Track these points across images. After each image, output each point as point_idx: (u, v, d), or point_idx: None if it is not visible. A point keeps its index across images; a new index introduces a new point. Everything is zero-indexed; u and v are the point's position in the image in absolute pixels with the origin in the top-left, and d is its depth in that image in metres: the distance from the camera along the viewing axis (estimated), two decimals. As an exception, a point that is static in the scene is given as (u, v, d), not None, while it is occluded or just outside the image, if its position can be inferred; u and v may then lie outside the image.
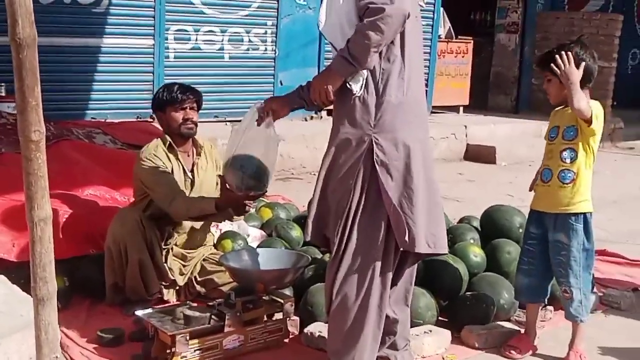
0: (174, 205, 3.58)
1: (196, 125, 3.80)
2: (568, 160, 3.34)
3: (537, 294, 3.49)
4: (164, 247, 3.77)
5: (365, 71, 2.77)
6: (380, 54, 2.76)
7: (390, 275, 2.83)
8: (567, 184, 3.33)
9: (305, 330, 3.40)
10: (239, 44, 8.43)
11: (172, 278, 3.78)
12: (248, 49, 8.51)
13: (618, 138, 11.11)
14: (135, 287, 3.63)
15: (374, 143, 2.77)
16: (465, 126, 9.45)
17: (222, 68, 8.32)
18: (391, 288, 2.89)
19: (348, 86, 2.79)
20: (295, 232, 4.39)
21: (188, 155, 3.85)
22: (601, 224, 6.06)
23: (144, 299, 3.64)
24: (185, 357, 3.04)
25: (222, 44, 8.28)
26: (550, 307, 3.90)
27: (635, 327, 3.86)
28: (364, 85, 2.80)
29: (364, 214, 2.78)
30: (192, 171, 3.82)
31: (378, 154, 2.76)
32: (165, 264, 3.74)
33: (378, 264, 2.77)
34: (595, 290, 4.19)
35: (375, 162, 2.75)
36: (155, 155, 3.71)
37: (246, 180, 3.17)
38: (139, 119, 7.51)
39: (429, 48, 10.06)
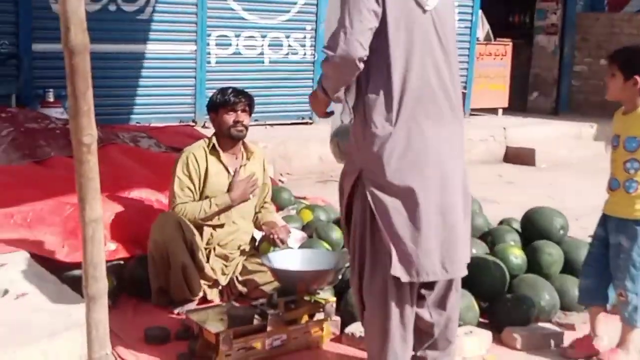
0: (181, 207, 3.75)
1: (246, 128, 3.91)
2: (632, 171, 3.29)
3: (595, 296, 3.47)
4: (205, 247, 3.86)
5: (343, 97, 2.74)
6: (360, 82, 2.69)
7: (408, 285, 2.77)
8: (632, 193, 3.29)
9: (346, 330, 3.44)
10: (279, 48, 8.53)
11: (215, 278, 3.86)
12: (287, 54, 8.61)
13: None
14: (179, 290, 3.71)
15: (364, 180, 2.71)
16: (504, 128, 9.40)
17: (262, 72, 8.43)
18: (428, 291, 2.91)
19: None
20: (336, 234, 4.43)
21: (236, 158, 3.95)
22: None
23: (189, 299, 3.73)
24: (230, 355, 3.11)
25: (262, 48, 8.39)
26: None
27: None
28: (350, 112, 2.77)
29: (373, 238, 2.75)
30: (238, 172, 3.91)
31: (368, 198, 2.69)
32: (207, 264, 3.82)
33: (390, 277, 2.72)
34: None
35: (369, 203, 2.70)
36: (193, 155, 3.83)
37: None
38: (181, 123, 7.65)
39: (467, 50, 10.05)
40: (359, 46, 2.57)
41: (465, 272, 2.89)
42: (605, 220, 3.44)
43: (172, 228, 3.67)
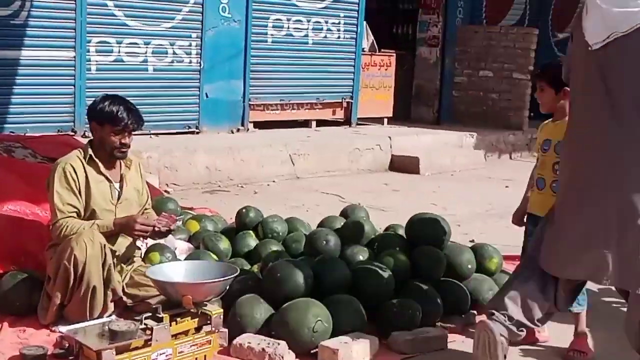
0: (63, 222, 3.55)
1: (129, 148, 3.73)
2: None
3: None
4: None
5: None
6: None
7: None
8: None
9: (234, 341, 3.39)
10: (163, 56, 8.36)
11: (120, 295, 3.70)
12: (172, 62, 8.45)
13: (535, 148, 11.48)
14: (78, 311, 3.51)
15: None
16: (390, 137, 9.62)
17: (146, 80, 8.24)
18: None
19: None
20: (223, 244, 4.37)
21: (114, 167, 3.79)
22: (520, 230, 6.27)
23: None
24: (112, 372, 2.98)
25: (145, 56, 8.20)
26: (474, 312, 4.01)
27: (553, 326, 4.00)
28: None
29: None
30: (120, 182, 3.77)
31: None
32: (116, 280, 3.66)
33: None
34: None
35: None
36: (70, 166, 3.62)
37: None
38: (60, 132, 7.34)
39: (353, 61, 10.23)
40: None
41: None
42: (534, 220, 3.65)
43: (98, 248, 3.48)
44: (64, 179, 3.60)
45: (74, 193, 3.61)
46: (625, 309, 3.30)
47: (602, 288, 3.98)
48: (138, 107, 3.77)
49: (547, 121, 3.77)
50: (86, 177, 3.66)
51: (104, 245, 3.53)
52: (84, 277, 3.48)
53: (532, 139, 11.50)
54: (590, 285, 3.54)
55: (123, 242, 3.78)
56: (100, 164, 3.71)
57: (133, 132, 3.71)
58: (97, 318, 3.50)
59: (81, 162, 3.67)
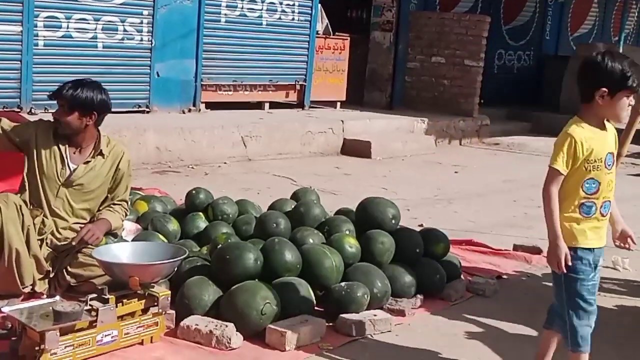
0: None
1: (63, 123, 3.75)
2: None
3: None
4: (38, 237, 3.66)
5: None
6: None
7: None
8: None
9: (182, 323, 3.37)
10: (113, 33, 8.19)
11: (48, 269, 3.68)
12: (123, 39, 8.29)
13: (484, 134, 11.68)
14: (8, 278, 3.48)
15: None
16: (342, 121, 9.64)
17: (95, 57, 8.07)
18: None
19: None
20: (172, 226, 4.33)
21: (82, 151, 3.84)
22: (468, 215, 6.39)
23: (14, 294, 3.50)
24: (56, 353, 2.94)
25: (95, 32, 8.02)
26: (421, 296, 4.07)
27: (499, 311, 4.08)
28: None
29: None
30: (78, 165, 3.81)
31: None
32: (41, 253, 3.64)
33: None
34: (462, 277, 4.42)
35: None
36: (45, 122, 3.87)
37: None
38: (5, 109, 7.14)
39: (307, 43, 10.19)
40: None
41: None
42: (585, 252, 3.00)
43: (13, 210, 3.48)
44: (31, 123, 3.91)
45: (25, 128, 3.84)
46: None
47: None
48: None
49: (585, 125, 3.00)
50: (46, 140, 3.77)
51: (20, 206, 3.54)
52: (4, 241, 3.47)
53: (482, 126, 11.68)
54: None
55: (61, 222, 3.80)
56: (63, 141, 3.80)
57: (65, 109, 3.74)
58: (34, 294, 3.52)
59: (51, 130, 3.81)
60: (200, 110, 9.12)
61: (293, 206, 4.61)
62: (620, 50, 10.56)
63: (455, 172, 8.67)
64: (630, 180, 8.66)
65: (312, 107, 10.50)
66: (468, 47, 11.57)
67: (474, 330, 3.78)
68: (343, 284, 3.81)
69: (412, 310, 3.94)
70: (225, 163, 8.04)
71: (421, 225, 5.38)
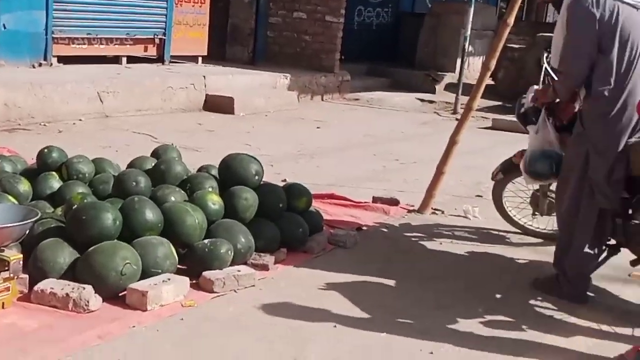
0: None
1: None
2: None
3: None
4: None
5: None
6: None
7: None
8: None
9: (35, 287, 3.23)
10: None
11: None
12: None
13: (345, 90, 11.87)
14: None
15: None
16: (204, 76, 9.46)
17: None
18: None
19: None
20: (23, 186, 4.11)
21: None
22: (330, 170, 6.51)
23: None
24: None
25: None
26: (284, 250, 4.12)
27: (359, 262, 4.22)
28: None
29: None
30: None
31: None
32: None
33: None
34: (324, 230, 4.51)
35: None
36: None
37: None
38: None
39: (165, -5, 9.87)
40: None
41: None
42: None
43: None
44: None
45: None
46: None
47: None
48: None
49: None
50: None
51: None
52: None
53: (343, 81, 11.85)
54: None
55: None
56: None
57: None
58: None
59: None
60: (52, 64, 8.64)
61: (153, 164, 4.50)
62: (472, 8, 10.99)
63: (318, 128, 8.78)
64: (480, 133, 9.14)
65: (173, 62, 10.23)
66: (329, 3, 11.65)
67: (334, 281, 3.89)
68: (206, 241, 3.79)
69: (276, 265, 3.99)
70: (80, 120, 7.70)
71: (284, 181, 5.43)
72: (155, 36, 9.91)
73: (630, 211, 3.83)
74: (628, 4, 3.60)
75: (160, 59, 10.08)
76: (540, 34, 11.38)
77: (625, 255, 3.94)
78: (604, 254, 3.97)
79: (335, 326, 3.34)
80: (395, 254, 4.44)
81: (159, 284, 3.35)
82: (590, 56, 3.62)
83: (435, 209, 5.38)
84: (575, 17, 3.65)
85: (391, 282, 3.95)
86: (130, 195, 3.86)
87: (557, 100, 4.10)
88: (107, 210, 3.58)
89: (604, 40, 3.59)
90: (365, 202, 5.38)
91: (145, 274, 3.43)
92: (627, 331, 3.56)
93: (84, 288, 3.21)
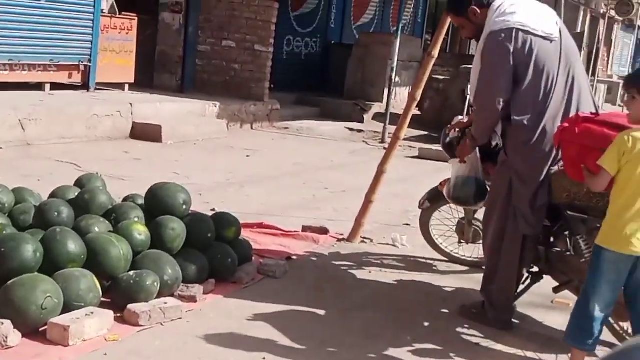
0: None
1: None
2: None
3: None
4: None
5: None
6: None
7: None
8: None
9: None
10: None
11: None
12: None
13: (275, 118, 11.89)
14: None
15: None
16: (131, 104, 9.31)
17: None
18: None
19: None
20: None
21: None
22: (259, 199, 6.48)
23: None
24: None
25: None
26: (213, 280, 4.06)
27: (288, 291, 4.19)
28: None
29: None
30: None
31: None
32: None
33: None
34: (253, 260, 4.48)
35: None
36: None
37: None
38: None
39: (92, 22, 9.70)
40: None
41: None
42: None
43: None
44: None
45: None
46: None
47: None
48: None
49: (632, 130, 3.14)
50: None
51: None
52: None
53: (273, 110, 11.88)
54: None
55: None
56: None
57: None
58: None
59: None
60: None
61: (77, 193, 4.38)
62: (398, 40, 11.22)
63: (247, 156, 8.74)
64: (408, 162, 9.29)
65: (98, 89, 10.04)
66: (258, 32, 11.69)
67: (264, 312, 3.85)
68: (132, 272, 3.70)
69: (204, 296, 3.92)
70: (0, 148, 7.45)
71: (213, 210, 5.36)
72: (80, 63, 9.72)
73: (552, 239, 3.94)
74: (540, 36, 3.73)
75: (85, 86, 9.87)
76: (464, 66, 11.72)
77: (548, 282, 4.05)
78: (528, 281, 4.07)
79: (264, 358, 3.30)
80: (325, 283, 4.44)
81: (82, 318, 3.25)
82: (506, 90, 3.73)
83: (364, 238, 5.42)
84: (490, 51, 3.76)
85: (321, 312, 3.94)
86: (52, 226, 3.74)
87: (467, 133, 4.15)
88: (28, 241, 3.46)
89: (519, 71, 3.71)
90: (295, 231, 5.37)
91: (67, 308, 3.32)
92: (551, 358, 3.65)
93: (2, 323, 3.08)
